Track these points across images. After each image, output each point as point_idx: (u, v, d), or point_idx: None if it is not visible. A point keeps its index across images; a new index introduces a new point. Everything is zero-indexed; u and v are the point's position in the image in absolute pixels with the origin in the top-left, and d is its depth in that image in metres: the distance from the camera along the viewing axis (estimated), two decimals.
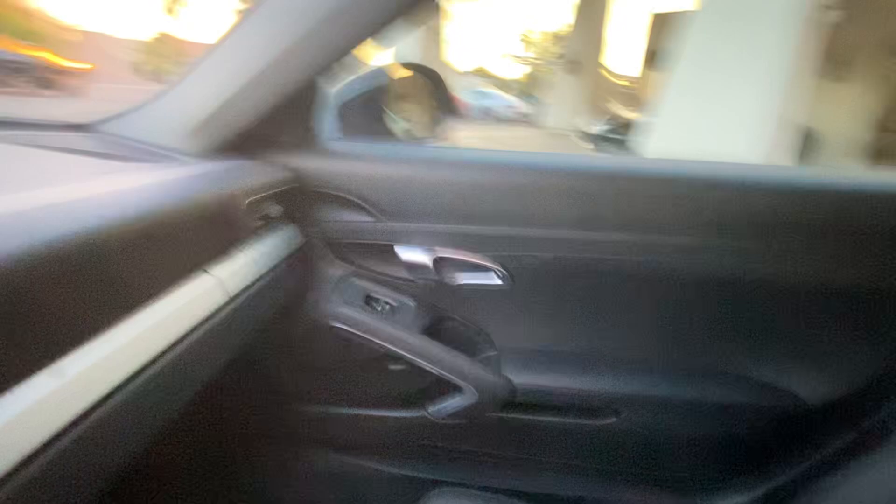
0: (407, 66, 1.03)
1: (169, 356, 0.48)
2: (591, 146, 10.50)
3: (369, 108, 0.94)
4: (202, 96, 0.69)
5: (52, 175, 0.53)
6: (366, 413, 0.98)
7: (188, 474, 0.98)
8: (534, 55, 39.35)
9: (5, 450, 0.32)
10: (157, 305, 0.48)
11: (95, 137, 0.73)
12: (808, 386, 0.86)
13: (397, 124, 1.04)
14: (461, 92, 18.91)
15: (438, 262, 0.82)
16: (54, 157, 0.60)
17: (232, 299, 0.60)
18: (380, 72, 0.99)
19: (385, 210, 0.81)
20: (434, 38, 9.82)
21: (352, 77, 0.94)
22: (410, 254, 0.83)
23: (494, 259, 0.82)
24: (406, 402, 0.96)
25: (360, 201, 0.80)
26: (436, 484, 0.88)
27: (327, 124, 0.88)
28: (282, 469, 1.06)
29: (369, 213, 0.81)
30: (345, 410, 0.99)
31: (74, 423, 0.38)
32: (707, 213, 0.77)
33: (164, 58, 31.32)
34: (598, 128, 10.11)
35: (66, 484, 0.38)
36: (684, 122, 6.06)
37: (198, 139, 0.70)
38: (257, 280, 0.66)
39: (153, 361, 0.46)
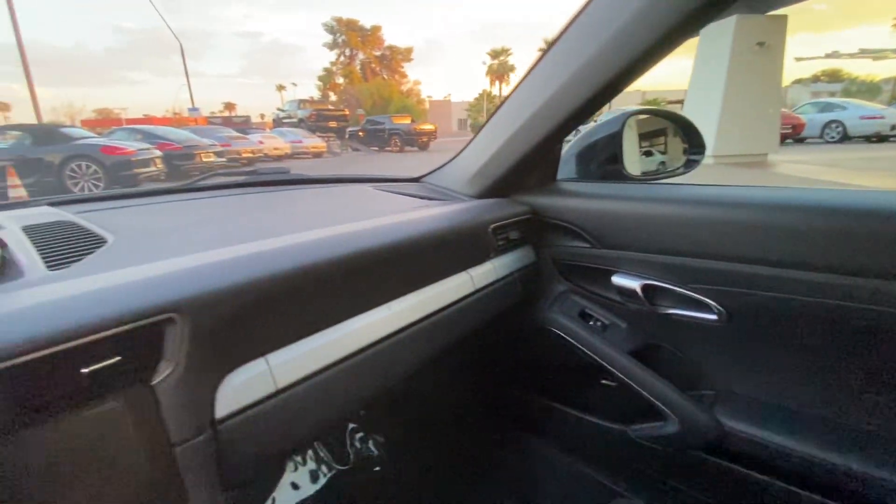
0: (648, 111, 1.14)
1: (437, 316, 0.81)
2: None
3: (602, 152, 1.10)
4: (478, 153, 1.04)
5: (395, 207, 0.96)
6: (573, 413, 1.12)
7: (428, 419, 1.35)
8: None
9: (355, 337, 0.68)
10: (437, 285, 0.81)
11: (420, 186, 1.19)
12: None
13: (636, 163, 1.15)
14: (798, 105, 15.30)
15: (647, 289, 0.90)
16: (398, 198, 1.05)
17: (478, 290, 0.89)
18: (619, 118, 1.13)
19: (600, 238, 0.95)
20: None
21: (589, 125, 1.13)
22: (622, 279, 0.94)
23: (708, 293, 0.83)
24: (610, 415, 1.04)
25: (579, 230, 0.98)
26: (618, 496, 0.94)
27: (563, 168, 1.10)
28: (492, 441, 1.30)
29: (586, 241, 0.97)
30: (556, 405, 1.15)
31: (388, 337, 0.73)
32: None
33: (482, 113, 38.61)
34: None
35: (361, 379, 0.73)
36: None
37: (472, 185, 1.05)
38: (496, 281, 0.94)
39: (428, 317, 0.80)
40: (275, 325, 0.60)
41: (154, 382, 0.49)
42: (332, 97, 41.15)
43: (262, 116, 46.05)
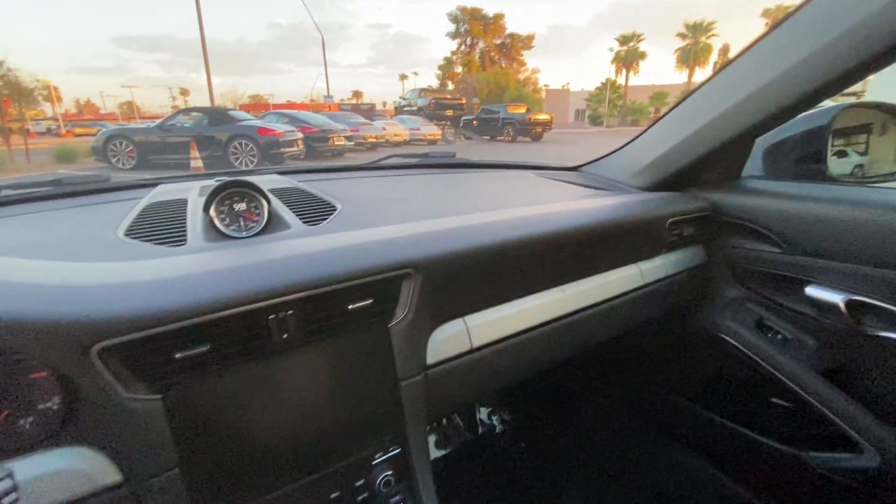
0: (863, 105, 0.99)
1: (605, 305, 0.82)
2: None
3: (802, 148, 0.98)
4: (653, 144, 1.00)
5: (565, 195, 0.98)
6: (736, 428, 1.03)
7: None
8: None
9: (533, 312, 0.72)
10: (607, 274, 0.82)
11: (580, 175, 1.18)
12: None
13: (843, 162, 1.01)
14: None
15: (853, 305, 0.80)
16: (564, 186, 1.06)
17: (646, 285, 0.87)
18: (828, 111, 1.00)
19: (793, 243, 0.86)
20: None
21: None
22: (820, 291, 0.84)
23: None
24: (782, 437, 0.95)
25: (767, 232, 0.89)
26: None
27: (750, 164, 1.01)
28: (630, 442, 1.26)
29: (777, 245, 0.89)
30: (715, 417, 1.08)
31: (561, 318, 0.76)
32: None
33: (602, 103, 36.39)
34: None
35: (544, 349, 0.77)
36: None
37: (641, 177, 1.02)
38: (665, 278, 0.91)
39: (597, 304, 0.80)
40: (474, 291, 0.67)
41: (390, 325, 0.58)
42: (450, 86, 42.16)
43: (384, 104, 49.08)
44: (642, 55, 38.83)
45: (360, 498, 0.60)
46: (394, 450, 0.62)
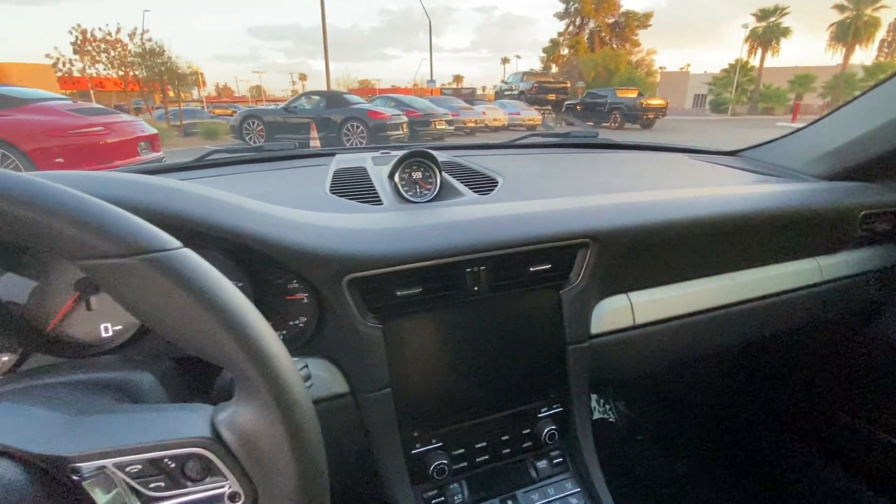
0: None
1: (775, 299, 0.76)
2: None
3: None
4: (839, 129, 0.89)
5: (725, 179, 0.92)
6: None
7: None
8: None
9: (699, 297, 0.70)
10: (780, 266, 0.76)
11: (740, 160, 1.09)
12: None
13: None
14: None
15: None
16: (726, 170, 0.99)
17: (825, 282, 0.80)
18: None
19: None
20: None
21: None
22: None
23: None
24: None
25: None
26: None
27: None
28: (776, 455, 1.15)
29: None
30: (882, 436, 0.96)
31: (728, 305, 0.72)
32: None
33: (728, 88, 32.39)
34: None
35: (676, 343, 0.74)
36: None
37: (823, 164, 0.91)
38: (848, 277, 0.82)
39: (768, 297, 0.75)
40: (644, 268, 0.68)
41: (562, 291, 0.62)
42: (554, 69, 40.54)
43: (483, 89, 48.83)
44: (785, 32, 33.56)
45: (524, 445, 0.65)
46: (557, 407, 0.66)
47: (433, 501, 0.60)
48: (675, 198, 0.70)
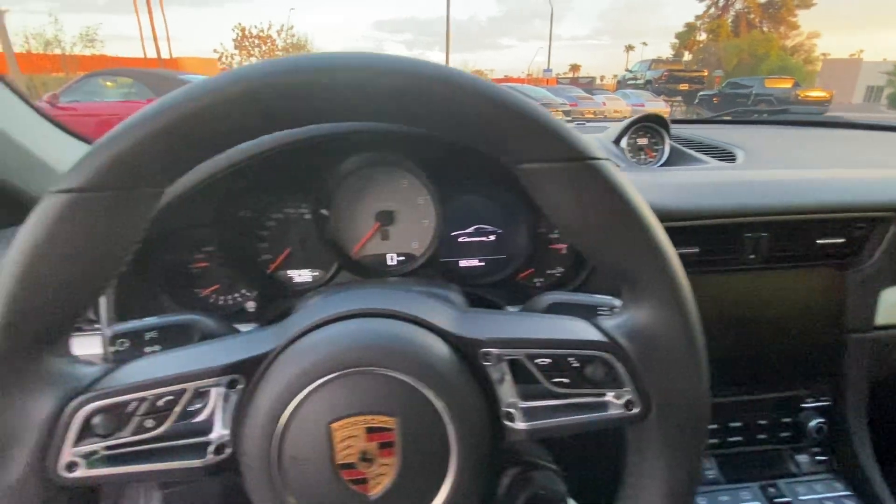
0: None
1: None
2: None
3: None
4: None
5: None
6: None
7: None
8: None
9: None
10: None
11: None
12: None
13: None
14: None
15: None
16: None
17: None
18: None
19: None
20: None
21: None
22: None
23: None
24: None
25: None
26: None
27: None
28: None
29: None
30: None
31: None
32: None
33: None
34: None
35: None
36: None
37: None
38: None
39: None
40: None
41: (848, 271, 0.53)
42: (686, 56, 36.62)
43: (602, 78, 46.04)
44: None
45: (782, 434, 0.60)
46: (825, 399, 0.59)
47: None
48: None
